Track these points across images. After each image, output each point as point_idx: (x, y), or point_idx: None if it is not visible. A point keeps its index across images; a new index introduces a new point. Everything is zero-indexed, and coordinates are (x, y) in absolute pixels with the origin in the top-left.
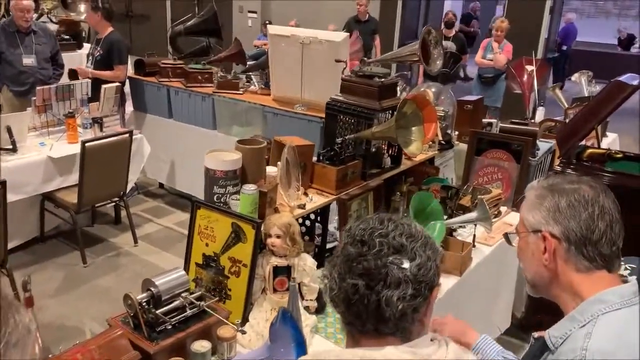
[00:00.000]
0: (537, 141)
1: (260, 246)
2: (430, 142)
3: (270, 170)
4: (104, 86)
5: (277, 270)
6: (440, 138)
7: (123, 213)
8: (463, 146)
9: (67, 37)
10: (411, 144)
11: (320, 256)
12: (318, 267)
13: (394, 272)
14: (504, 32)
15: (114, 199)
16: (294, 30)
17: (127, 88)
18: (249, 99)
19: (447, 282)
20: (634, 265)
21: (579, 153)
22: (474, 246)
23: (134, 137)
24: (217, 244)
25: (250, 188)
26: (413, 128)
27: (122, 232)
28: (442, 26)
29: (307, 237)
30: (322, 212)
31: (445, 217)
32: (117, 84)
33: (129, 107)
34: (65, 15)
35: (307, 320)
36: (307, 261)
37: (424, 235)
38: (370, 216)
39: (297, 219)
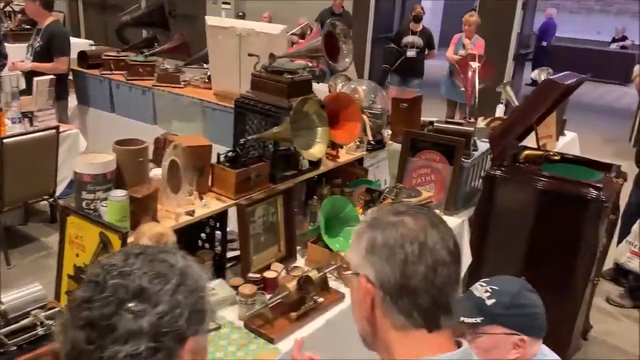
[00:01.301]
0: (479, 141)
1: None
2: (358, 142)
3: (159, 173)
4: (35, 79)
5: None
6: (370, 138)
7: None
8: (398, 146)
9: (28, 26)
10: (313, 146)
11: (221, 265)
12: (219, 277)
13: (126, 322)
14: (473, 26)
15: (45, 197)
16: (232, 22)
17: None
18: (190, 93)
19: None
20: (496, 287)
21: (516, 154)
22: None
23: (68, 132)
24: (87, 255)
25: (118, 194)
26: (318, 129)
27: (57, 231)
28: (410, 20)
29: (207, 245)
30: (221, 218)
31: None
32: (51, 76)
33: (74, 101)
34: None
35: None
36: None
37: (181, 273)
38: (122, 249)
39: (197, 226)
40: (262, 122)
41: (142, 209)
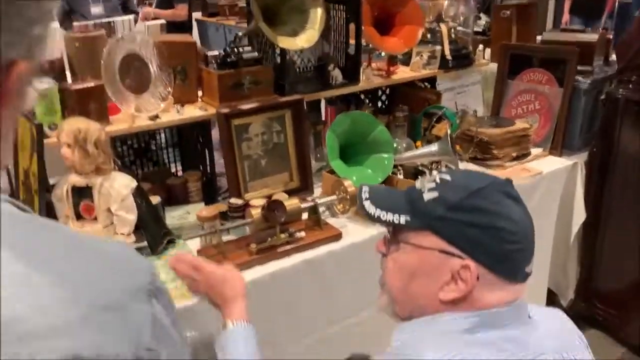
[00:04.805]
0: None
1: None
2: (428, 58)
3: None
4: (146, 24)
5: (78, 192)
6: (447, 52)
7: None
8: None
9: None
10: (301, 33)
11: (210, 189)
12: (206, 202)
13: None
14: None
15: None
16: None
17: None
18: None
19: (365, 231)
20: (449, 178)
21: None
22: None
23: None
24: (26, 154)
25: (42, 82)
26: (311, 11)
27: None
28: None
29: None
30: (204, 133)
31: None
32: (162, 21)
33: None
34: None
35: None
36: (116, 182)
37: None
38: None
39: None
40: None
41: (80, 105)
